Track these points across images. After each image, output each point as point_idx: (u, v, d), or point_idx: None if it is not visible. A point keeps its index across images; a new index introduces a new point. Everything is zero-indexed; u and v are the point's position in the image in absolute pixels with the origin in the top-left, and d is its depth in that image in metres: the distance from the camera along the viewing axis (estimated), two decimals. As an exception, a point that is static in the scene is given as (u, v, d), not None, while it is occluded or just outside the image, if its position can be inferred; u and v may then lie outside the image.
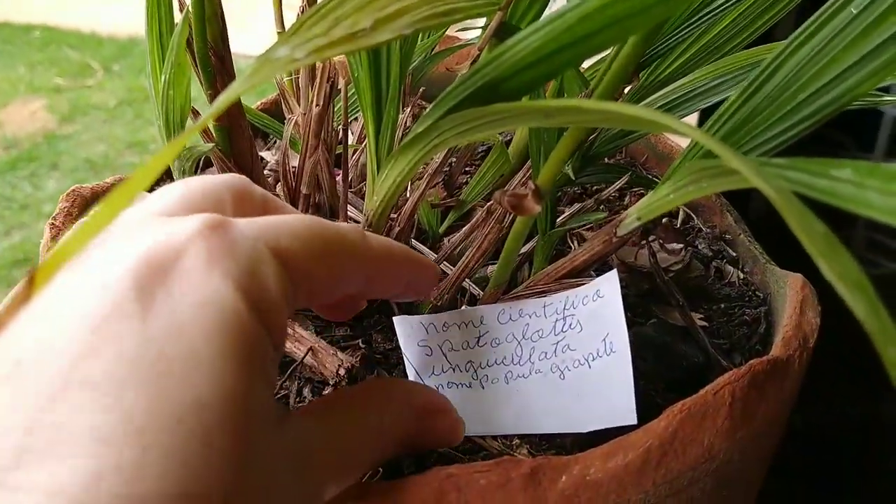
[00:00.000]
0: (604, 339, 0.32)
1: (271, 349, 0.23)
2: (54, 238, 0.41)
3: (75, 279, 0.21)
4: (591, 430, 0.31)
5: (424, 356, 0.35)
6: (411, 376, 0.34)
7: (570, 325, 0.33)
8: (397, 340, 0.35)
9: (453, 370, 0.34)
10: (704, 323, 0.41)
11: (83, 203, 0.43)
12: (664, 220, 0.48)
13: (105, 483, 0.18)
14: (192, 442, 0.19)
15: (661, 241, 0.43)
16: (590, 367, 0.32)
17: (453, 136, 0.29)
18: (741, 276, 0.45)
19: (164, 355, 0.20)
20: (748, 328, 0.41)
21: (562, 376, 0.33)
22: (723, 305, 0.43)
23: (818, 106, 0.28)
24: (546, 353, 0.33)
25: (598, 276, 0.36)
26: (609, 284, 0.32)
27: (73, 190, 0.44)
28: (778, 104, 0.29)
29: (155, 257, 0.21)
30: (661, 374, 0.37)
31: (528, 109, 0.24)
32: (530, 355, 0.33)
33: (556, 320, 0.33)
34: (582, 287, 0.33)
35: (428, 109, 0.29)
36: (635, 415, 0.31)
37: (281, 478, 0.23)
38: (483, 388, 0.34)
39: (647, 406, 0.32)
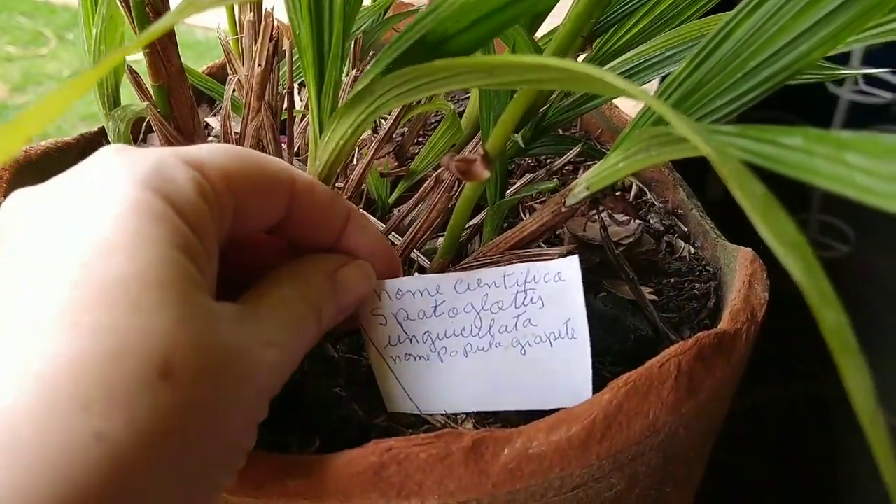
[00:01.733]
0: (565, 323, 0.31)
1: (193, 237, 0.24)
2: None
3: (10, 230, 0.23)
4: (549, 408, 0.30)
5: (379, 325, 0.34)
6: (369, 348, 0.33)
7: (532, 299, 0.32)
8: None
9: (410, 341, 0.33)
10: (654, 297, 0.41)
11: (14, 166, 0.41)
12: (617, 192, 0.47)
13: (40, 361, 0.19)
14: (119, 313, 0.20)
15: (609, 211, 0.43)
16: (551, 345, 0.31)
17: (396, 95, 0.28)
18: (692, 251, 0.45)
19: (79, 246, 0.21)
20: (697, 302, 0.40)
21: (523, 351, 0.32)
22: (673, 280, 0.42)
23: (769, 74, 0.28)
24: (506, 327, 0.32)
25: (548, 248, 0.36)
26: (570, 270, 0.31)
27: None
28: (728, 72, 0.28)
29: (73, 176, 0.24)
30: (609, 347, 0.37)
31: (471, 66, 0.23)
32: (490, 328, 0.32)
33: (517, 292, 0.32)
34: (543, 262, 0.32)
35: (369, 67, 0.28)
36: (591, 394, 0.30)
37: (228, 337, 0.23)
38: (442, 361, 0.33)
39: (594, 379, 0.31)
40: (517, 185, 0.39)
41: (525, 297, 0.32)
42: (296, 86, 0.47)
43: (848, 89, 1.67)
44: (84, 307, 0.20)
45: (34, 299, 0.21)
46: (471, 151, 0.38)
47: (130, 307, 0.21)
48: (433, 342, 0.33)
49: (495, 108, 0.34)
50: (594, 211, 0.40)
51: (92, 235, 0.22)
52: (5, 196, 0.40)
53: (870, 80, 1.64)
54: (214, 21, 0.48)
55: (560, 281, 0.31)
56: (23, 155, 0.42)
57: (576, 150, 0.38)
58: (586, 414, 0.29)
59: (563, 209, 0.32)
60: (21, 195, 0.24)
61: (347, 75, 0.39)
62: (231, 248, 0.28)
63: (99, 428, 0.19)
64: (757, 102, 0.29)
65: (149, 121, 0.47)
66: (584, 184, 0.31)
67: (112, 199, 0.22)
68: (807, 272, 0.15)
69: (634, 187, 0.49)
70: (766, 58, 0.28)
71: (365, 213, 0.39)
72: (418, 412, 0.33)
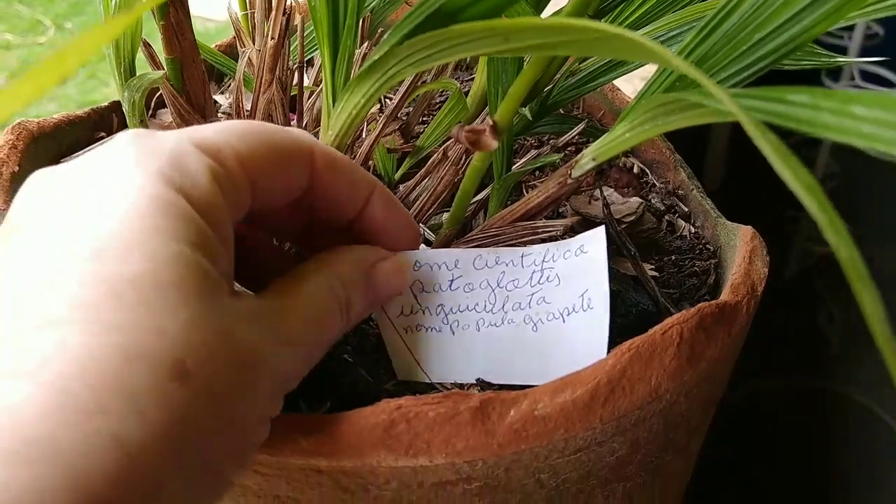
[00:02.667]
0: (582, 295, 0.32)
1: (209, 232, 0.24)
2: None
3: (28, 208, 0.24)
4: None
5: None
6: (381, 316, 0.34)
7: (548, 277, 0.32)
8: None
9: (423, 312, 0.34)
10: (655, 273, 0.42)
11: (28, 137, 0.42)
12: (622, 164, 0.48)
13: (56, 358, 0.19)
14: (135, 312, 0.21)
15: (615, 183, 0.44)
16: (564, 321, 0.32)
17: (411, 63, 0.28)
18: (692, 230, 0.45)
19: (99, 243, 0.21)
20: (697, 279, 0.41)
21: (535, 328, 0.32)
22: (674, 257, 0.43)
23: (774, 46, 0.28)
24: (520, 304, 0.33)
25: (552, 221, 0.36)
26: (595, 241, 0.32)
27: (20, 123, 0.42)
28: (734, 44, 0.29)
29: (89, 164, 0.24)
30: (612, 320, 0.38)
31: (487, 30, 0.24)
32: (504, 304, 0.33)
33: (534, 272, 0.33)
34: (565, 241, 0.32)
35: (385, 36, 0.29)
36: None
37: (253, 334, 0.24)
38: (453, 333, 0.33)
39: None
40: (522, 161, 0.39)
41: (541, 276, 0.32)
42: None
43: (844, 84, 1.68)
44: (98, 306, 0.20)
45: (47, 296, 0.21)
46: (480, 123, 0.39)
47: (145, 307, 0.21)
48: (446, 315, 0.34)
49: (503, 82, 0.35)
50: (597, 188, 0.41)
51: (107, 232, 0.22)
52: (19, 166, 0.40)
53: (866, 76, 1.65)
54: (215, 12, 0.48)
55: (582, 253, 0.31)
56: (36, 127, 0.43)
57: (580, 127, 0.39)
58: (590, 377, 0.30)
59: (570, 181, 0.33)
60: (40, 179, 0.24)
61: (359, 48, 0.39)
62: (258, 220, 0.28)
63: (114, 427, 0.19)
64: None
65: (160, 95, 0.47)
66: (591, 155, 0.32)
67: (128, 195, 0.22)
68: (822, 210, 0.16)
69: (636, 168, 0.50)
70: (772, 30, 0.28)
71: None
72: (428, 381, 0.34)
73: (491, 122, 0.30)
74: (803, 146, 1.65)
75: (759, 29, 0.29)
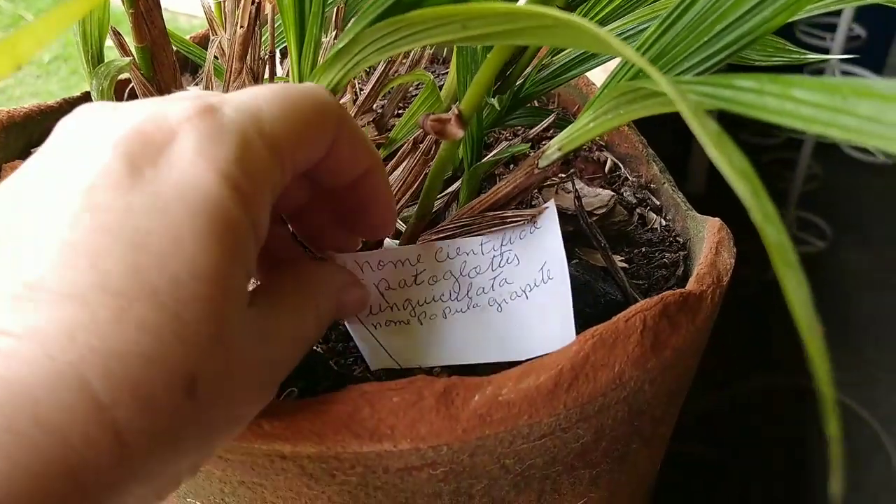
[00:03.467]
0: (541, 269, 0.32)
1: (252, 237, 0.23)
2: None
3: (71, 142, 0.23)
4: (531, 357, 0.31)
5: None
6: (350, 320, 0.34)
7: (508, 259, 0.33)
8: None
9: (391, 309, 0.34)
10: (625, 265, 0.42)
11: (-2, 126, 0.42)
12: (593, 156, 0.48)
13: (80, 335, 0.19)
14: (165, 314, 0.20)
15: (580, 172, 0.44)
16: (527, 297, 0.32)
17: (374, 50, 0.28)
18: (663, 223, 0.46)
19: (145, 230, 0.21)
20: (667, 270, 0.42)
21: (499, 309, 0.33)
22: (644, 249, 0.43)
23: (735, 37, 0.29)
24: (483, 289, 0.33)
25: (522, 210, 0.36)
26: (546, 215, 0.32)
27: (-13, 112, 0.42)
28: (696, 35, 0.29)
29: (147, 135, 0.22)
30: (580, 310, 0.38)
31: (444, 17, 0.24)
32: (468, 291, 0.33)
33: (494, 257, 0.33)
34: (518, 226, 0.33)
35: (350, 24, 0.29)
36: (575, 337, 0.31)
37: (250, 354, 0.24)
38: (421, 324, 0.34)
39: None
40: (493, 152, 0.39)
41: (501, 260, 0.33)
42: (277, 53, 0.47)
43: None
44: (134, 297, 0.20)
45: (74, 267, 0.20)
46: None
47: (176, 312, 0.20)
48: (413, 308, 0.34)
49: (472, 71, 0.35)
50: (569, 180, 0.41)
51: (159, 224, 0.21)
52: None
53: (845, 74, 1.66)
54: (199, 9, 0.48)
55: (536, 229, 0.32)
56: (6, 115, 0.43)
57: (550, 118, 0.39)
58: (554, 364, 0.30)
59: (536, 170, 0.33)
60: (90, 117, 0.23)
61: (327, 38, 0.40)
62: None
63: (119, 423, 0.19)
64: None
65: (133, 86, 0.47)
66: (557, 145, 0.32)
67: (187, 187, 0.22)
68: (753, 195, 0.16)
69: (609, 162, 0.50)
70: (732, 21, 0.29)
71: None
72: (398, 367, 0.34)
73: (456, 111, 0.31)
74: (784, 148, 1.66)
75: (719, 20, 0.29)
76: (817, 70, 1.66)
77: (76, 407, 0.19)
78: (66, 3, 0.17)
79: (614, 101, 0.29)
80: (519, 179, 0.34)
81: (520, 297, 0.33)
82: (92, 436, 0.19)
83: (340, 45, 0.29)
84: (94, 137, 0.22)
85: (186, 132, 0.22)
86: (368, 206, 0.31)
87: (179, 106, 0.23)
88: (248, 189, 0.23)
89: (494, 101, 0.34)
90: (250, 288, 0.33)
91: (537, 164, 0.33)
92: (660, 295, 0.32)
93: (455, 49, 0.36)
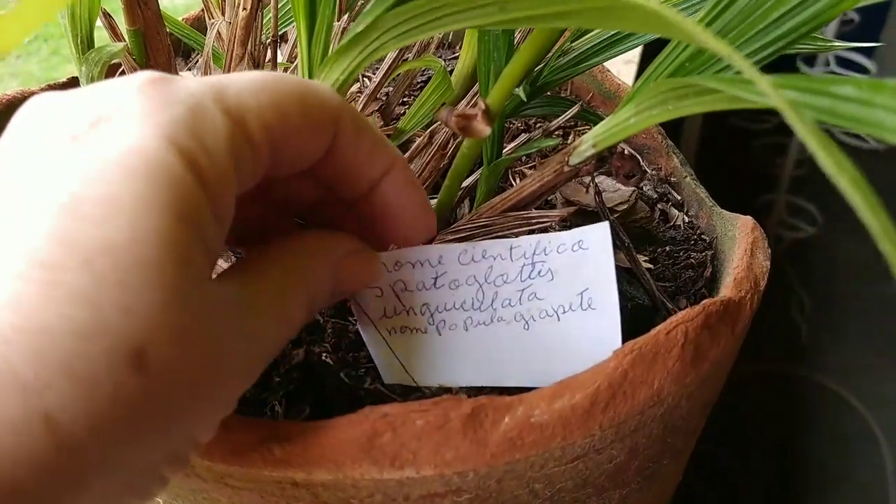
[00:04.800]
0: (580, 294, 0.29)
1: (206, 207, 0.21)
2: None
3: (17, 131, 0.21)
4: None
5: (374, 297, 0.32)
6: (362, 318, 0.31)
7: (539, 272, 0.30)
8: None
9: (407, 313, 0.31)
10: (649, 265, 0.40)
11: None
12: (621, 150, 0.46)
13: (4, 313, 0.18)
14: (102, 284, 0.18)
15: (616, 170, 0.41)
16: (558, 319, 0.29)
17: (396, 35, 0.26)
18: (686, 219, 0.43)
19: (78, 196, 0.19)
20: (694, 271, 0.39)
21: (526, 326, 0.30)
22: (668, 248, 0.41)
23: (792, 26, 0.26)
24: (510, 301, 0.30)
25: (545, 211, 0.34)
26: (597, 237, 0.29)
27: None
28: (749, 23, 0.27)
29: (94, 108, 0.21)
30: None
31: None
32: (492, 301, 0.30)
33: (524, 265, 0.30)
34: (558, 233, 0.30)
35: (368, 7, 0.26)
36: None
37: (220, 328, 0.21)
38: (440, 334, 0.31)
39: None
40: (512, 145, 0.37)
41: (532, 271, 0.30)
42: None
43: (820, 69, 1.67)
44: (65, 268, 0.18)
45: (10, 241, 0.18)
46: (468, 106, 0.37)
47: (116, 281, 0.18)
48: (431, 315, 0.31)
49: (495, 61, 0.32)
50: (587, 175, 0.39)
51: (89, 188, 0.19)
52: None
53: (842, 62, 1.65)
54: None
55: (581, 249, 0.29)
56: (-15, 102, 0.40)
57: (574, 109, 0.36)
58: (590, 382, 0.28)
59: (567, 168, 0.31)
60: (42, 104, 0.21)
61: (337, 23, 0.37)
62: (262, 190, 0.26)
63: (51, 408, 0.17)
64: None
65: (122, 71, 0.44)
66: (591, 141, 0.30)
67: (124, 150, 0.20)
68: (866, 204, 0.14)
69: (626, 153, 0.48)
70: (790, 9, 0.26)
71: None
72: (414, 383, 0.31)
73: (483, 106, 0.28)
74: (775, 133, 1.65)
75: (775, 8, 0.26)
76: (809, 57, 1.64)
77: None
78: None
79: (661, 95, 0.26)
80: (547, 177, 0.32)
81: (550, 318, 0.30)
82: (18, 422, 0.17)
83: (358, 29, 0.27)
84: (44, 121, 0.21)
85: (132, 99, 0.21)
86: (395, 211, 0.28)
87: (133, 78, 0.22)
88: (202, 157, 0.21)
89: (521, 92, 0.32)
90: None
91: (567, 161, 0.31)
92: (701, 304, 0.30)
93: (476, 34, 0.33)
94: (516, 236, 0.32)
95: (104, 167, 0.19)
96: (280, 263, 0.26)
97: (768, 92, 0.16)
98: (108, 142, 0.20)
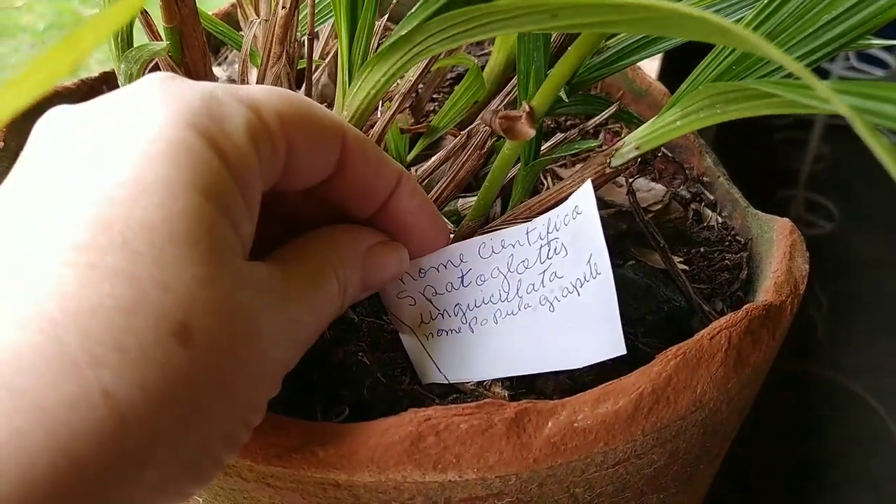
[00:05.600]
0: (588, 262, 0.29)
1: (235, 191, 0.21)
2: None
3: (45, 134, 0.22)
4: (583, 365, 0.29)
5: (408, 307, 0.32)
6: (401, 331, 0.32)
7: (556, 249, 0.29)
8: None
9: (442, 316, 0.31)
10: (685, 267, 0.39)
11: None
12: (663, 153, 0.45)
13: (49, 299, 0.18)
14: (141, 262, 0.19)
15: (659, 172, 0.41)
16: (579, 294, 0.29)
17: (440, 41, 0.26)
18: (720, 220, 0.43)
19: (108, 182, 0.20)
20: (729, 273, 0.39)
21: (552, 308, 0.30)
22: (702, 249, 0.41)
23: (846, 28, 0.26)
24: (534, 285, 0.30)
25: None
26: (584, 197, 0.29)
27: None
28: (800, 25, 0.26)
29: (113, 104, 0.22)
30: (642, 318, 0.35)
31: (533, 6, 0.21)
32: (518, 289, 0.30)
33: (541, 246, 0.30)
34: (562, 206, 0.30)
35: (414, 9, 0.26)
36: (624, 345, 0.28)
37: (259, 304, 0.22)
38: (473, 331, 0.31)
39: (629, 350, 0.29)
40: (549, 144, 0.37)
41: (549, 250, 0.30)
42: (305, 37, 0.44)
43: (840, 66, 1.66)
44: (103, 250, 0.19)
45: (50, 235, 0.19)
46: (502, 104, 0.36)
47: (153, 258, 0.19)
48: (464, 314, 0.31)
49: (535, 62, 0.32)
50: (633, 176, 0.39)
51: (122, 175, 0.20)
52: (4, 141, 0.37)
53: (862, 56, 1.63)
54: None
55: (578, 214, 0.29)
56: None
57: (612, 109, 0.36)
58: (634, 387, 0.28)
59: (608, 170, 0.31)
60: (59, 113, 0.22)
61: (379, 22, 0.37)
62: (274, 202, 0.26)
63: (107, 384, 0.18)
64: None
65: (150, 69, 0.44)
66: (634, 143, 0.29)
67: (149, 136, 0.20)
68: None
69: (669, 157, 0.47)
70: (842, 12, 0.26)
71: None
72: (447, 382, 0.31)
73: (528, 108, 0.28)
74: (794, 128, 1.63)
75: (828, 10, 0.26)
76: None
77: (54, 372, 0.17)
78: (113, 9, 0.14)
79: (709, 98, 0.26)
80: (588, 178, 0.31)
81: (572, 294, 0.29)
82: (78, 400, 0.17)
83: (402, 33, 0.26)
84: (63, 124, 0.22)
85: (151, 91, 0.22)
86: (410, 221, 0.29)
87: (146, 77, 0.23)
88: (223, 140, 0.21)
89: (563, 94, 0.31)
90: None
91: (609, 162, 0.31)
92: (744, 308, 0.30)
93: (515, 35, 0.33)
94: (539, 219, 0.31)
95: (131, 153, 0.20)
96: (310, 252, 0.26)
97: (830, 98, 0.16)
98: (132, 130, 0.20)
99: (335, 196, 0.27)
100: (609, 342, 0.28)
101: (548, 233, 0.30)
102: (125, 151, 0.20)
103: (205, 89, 0.22)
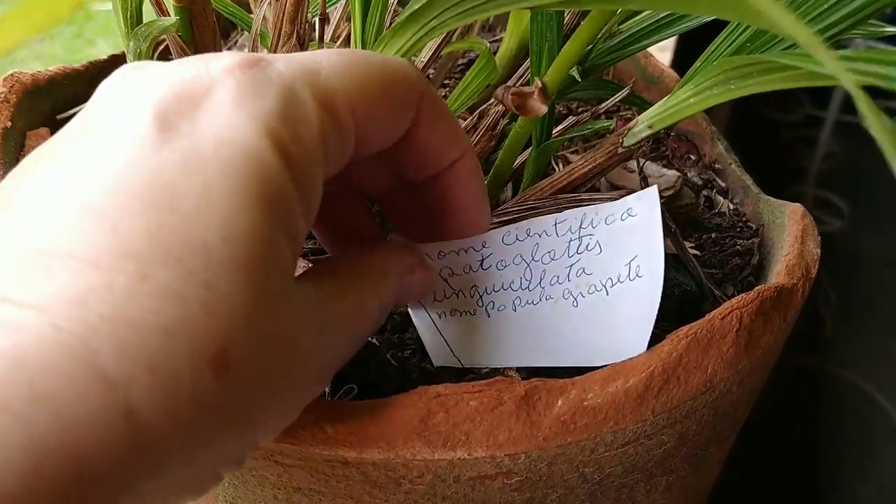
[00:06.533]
0: (628, 264, 0.29)
1: (297, 201, 0.21)
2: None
3: (108, 102, 0.21)
4: (603, 364, 0.28)
5: None
6: (412, 306, 0.31)
7: (588, 245, 0.29)
8: None
9: (456, 296, 0.31)
10: (696, 252, 0.39)
11: (22, 89, 0.39)
12: (675, 133, 0.45)
13: (91, 303, 0.17)
14: (191, 282, 0.18)
15: (672, 152, 0.41)
16: (607, 293, 0.29)
17: (457, 14, 0.25)
18: (731, 206, 0.43)
19: (174, 190, 0.18)
20: (741, 259, 0.39)
21: (575, 303, 0.29)
22: (714, 235, 0.40)
23: (859, 4, 0.25)
24: (558, 278, 0.30)
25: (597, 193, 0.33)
26: (646, 202, 0.28)
27: (13, 74, 0.39)
28: (815, 1, 0.26)
29: (183, 90, 0.20)
30: (652, 301, 0.35)
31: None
32: (541, 279, 0.30)
33: (571, 240, 0.29)
34: (605, 204, 0.29)
35: (429, -17, 0.26)
36: (646, 346, 0.28)
37: (300, 332, 0.21)
38: (488, 316, 0.30)
39: None
40: (561, 126, 0.36)
41: (579, 245, 0.29)
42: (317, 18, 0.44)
43: (859, 44, 1.65)
44: (154, 261, 0.18)
45: (98, 231, 0.18)
46: (516, 84, 0.36)
47: (204, 280, 0.18)
48: (480, 297, 0.31)
49: (548, 40, 0.32)
50: (646, 156, 0.38)
51: (187, 181, 0.19)
52: (12, 121, 0.37)
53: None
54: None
55: (630, 217, 0.28)
56: (30, 79, 0.40)
57: (624, 92, 0.36)
58: (644, 366, 0.27)
59: (620, 150, 0.30)
60: (125, 81, 0.21)
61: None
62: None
63: (133, 403, 0.17)
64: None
65: (160, 52, 0.44)
66: (647, 122, 0.29)
67: (222, 142, 0.19)
68: None
69: (681, 136, 0.47)
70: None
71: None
72: (461, 365, 0.31)
73: (540, 84, 0.28)
74: (805, 125, 1.62)
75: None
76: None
77: (80, 381, 0.16)
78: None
79: (723, 74, 0.26)
80: (599, 159, 0.31)
81: (599, 292, 0.29)
82: (99, 414, 0.16)
83: (416, 7, 0.26)
84: (131, 96, 0.20)
85: (226, 84, 0.20)
86: (458, 198, 0.28)
87: (223, 58, 0.21)
88: (294, 147, 0.20)
89: (575, 72, 0.31)
90: (302, 267, 0.31)
91: (622, 142, 0.30)
92: (756, 290, 0.30)
93: (529, 15, 0.32)
94: (570, 213, 0.31)
95: (197, 159, 0.19)
96: (355, 274, 0.26)
97: (833, 67, 0.16)
98: (200, 132, 0.19)
99: (398, 157, 0.26)
100: (634, 343, 0.28)
101: (580, 227, 0.30)
102: (192, 154, 0.19)
103: (284, 83, 0.21)
